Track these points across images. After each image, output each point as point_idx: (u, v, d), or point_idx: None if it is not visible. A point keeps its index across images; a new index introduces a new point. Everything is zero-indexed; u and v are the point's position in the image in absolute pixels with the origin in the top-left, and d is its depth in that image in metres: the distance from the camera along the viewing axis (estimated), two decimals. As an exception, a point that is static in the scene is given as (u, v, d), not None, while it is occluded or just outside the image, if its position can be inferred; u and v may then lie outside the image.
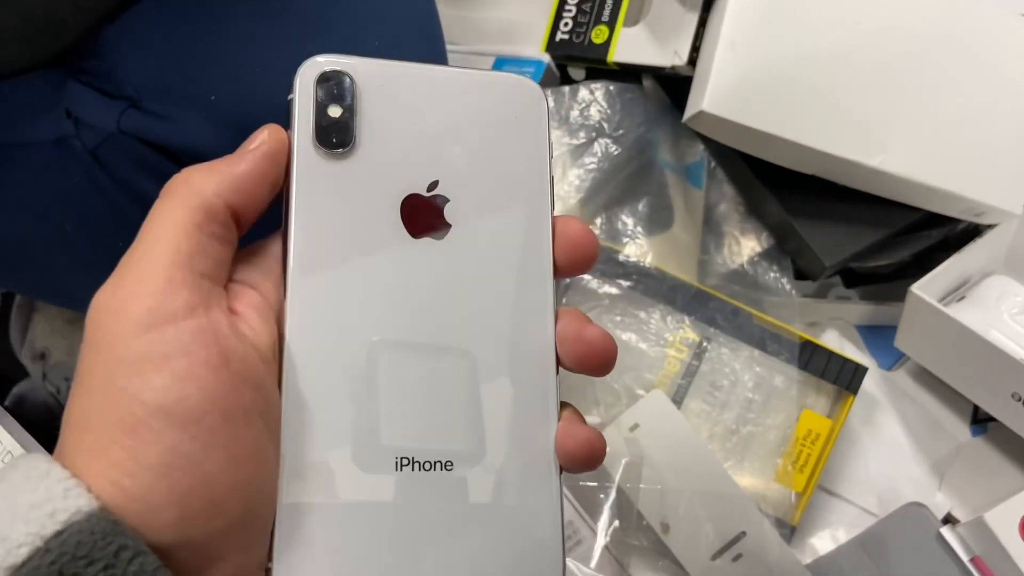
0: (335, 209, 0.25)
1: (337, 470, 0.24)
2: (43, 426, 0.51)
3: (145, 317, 0.21)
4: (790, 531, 0.50)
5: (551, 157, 0.27)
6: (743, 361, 0.52)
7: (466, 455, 0.25)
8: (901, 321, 0.52)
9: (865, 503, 0.53)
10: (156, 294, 0.22)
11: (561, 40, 0.56)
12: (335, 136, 0.25)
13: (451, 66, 0.27)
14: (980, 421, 0.55)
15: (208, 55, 0.35)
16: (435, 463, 0.24)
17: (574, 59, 0.57)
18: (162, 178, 0.36)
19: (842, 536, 0.52)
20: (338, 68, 0.25)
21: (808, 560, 0.50)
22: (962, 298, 0.54)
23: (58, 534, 0.19)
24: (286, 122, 0.25)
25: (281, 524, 0.23)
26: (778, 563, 0.48)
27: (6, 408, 0.47)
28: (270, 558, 0.23)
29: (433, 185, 0.25)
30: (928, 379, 0.56)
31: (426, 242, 0.25)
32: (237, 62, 0.35)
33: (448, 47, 0.45)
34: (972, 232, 0.54)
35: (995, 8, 0.50)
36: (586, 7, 0.56)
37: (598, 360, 0.26)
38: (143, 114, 0.35)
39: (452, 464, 0.24)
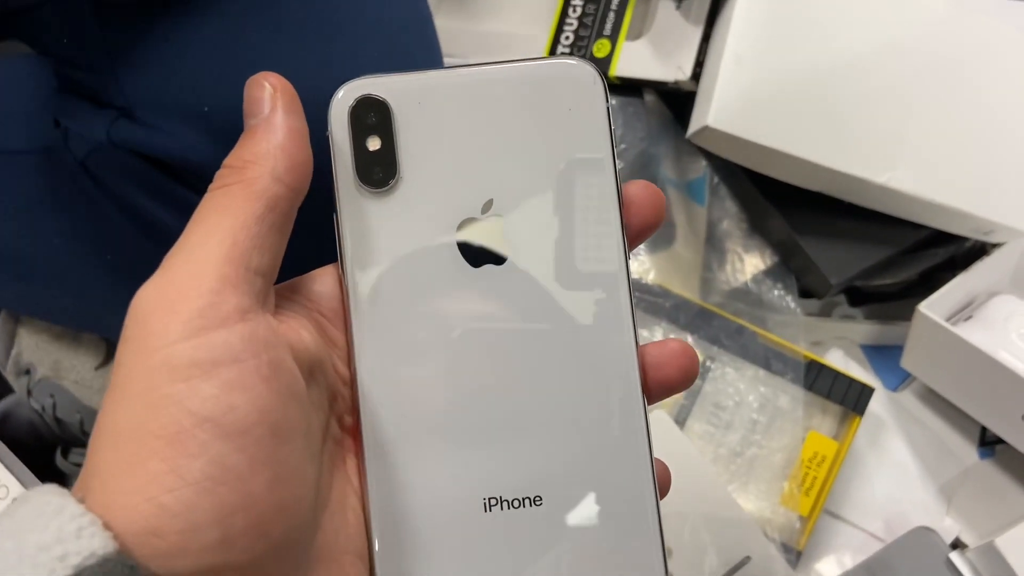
0: (390, 247, 0.24)
1: (427, 516, 0.23)
2: (27, 443, 0.49)
3: (195, 319, 0.20)
4: (796, 556, 0.49)
5: (614, 145, 0.24)
6: (748, 381, 0.51)
7: (554, 488, 0.23)
8: (908, 341, 0.52)
9: (871, 527, 0.52)
10: (208, 294, 0.20)
11: (562, 54, 0.55)
12: (378, 172, 0.24)
13: (492, 63, 0.24)
14: (988, 443, 0.54)
15: (201, 66, 0.34)
16: (523, 499, 0.23)
17: (575, 73, 0.56)
18: (152, 189, 0.35)
19: (848, 561, 0.51)
20: (372, 94, 0.24)
21: (814, 586, 0.49)
22: (969, 318, 0.53)
23: None
24: (326, 157, 0.24)
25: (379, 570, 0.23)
26: (784, 589, 0.47)
27: (-11, 425, 0.46)
28: None
29: (488, 205, 0.24)
30: (934, 400, 0.55)
31: (488, 269, 0.24)
32: (230, 72, 0.34)
33: (450, 60, 0.44)
34: (978, 251, 0.54)
35: (1004, 25, 0.50)
36: (588, 20, 0.55)
37: (689, 371, 0.24)
38: (134, 124, 0.34)
39: (541, 499, 0.23)
